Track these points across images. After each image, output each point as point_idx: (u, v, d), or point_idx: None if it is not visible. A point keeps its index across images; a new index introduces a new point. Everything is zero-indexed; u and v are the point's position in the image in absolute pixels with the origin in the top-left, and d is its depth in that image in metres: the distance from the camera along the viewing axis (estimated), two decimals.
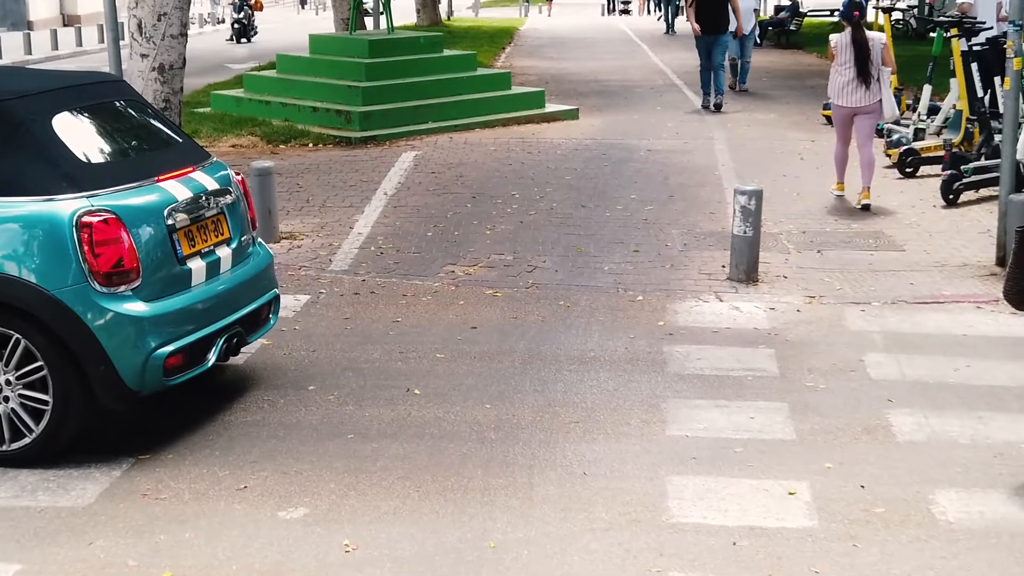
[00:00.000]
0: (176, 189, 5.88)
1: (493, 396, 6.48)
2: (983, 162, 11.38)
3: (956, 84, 13.05)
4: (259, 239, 6.71)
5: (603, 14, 56.71)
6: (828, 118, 15.24)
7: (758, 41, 24.41)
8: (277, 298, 6.68)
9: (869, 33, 11.29)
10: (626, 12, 56.63)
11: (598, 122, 15.99)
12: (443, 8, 42.06)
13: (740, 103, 17.62)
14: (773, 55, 25.92)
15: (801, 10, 30.60)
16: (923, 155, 12.24)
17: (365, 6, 21.81)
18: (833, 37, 11.64)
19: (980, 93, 12.21)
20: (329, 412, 6.27)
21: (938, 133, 13.38)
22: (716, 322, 7.74)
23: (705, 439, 5.90)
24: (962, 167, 11.22)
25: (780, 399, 6.43)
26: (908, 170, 12.09)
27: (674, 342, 7.36)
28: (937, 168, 12.14)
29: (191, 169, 6.12)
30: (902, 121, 13.99)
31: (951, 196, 10.86)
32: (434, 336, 7.49)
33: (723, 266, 8.90)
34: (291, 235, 9.94)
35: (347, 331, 7.61)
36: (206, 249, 6.01)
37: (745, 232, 8.46)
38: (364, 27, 23.48)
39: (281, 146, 14.02)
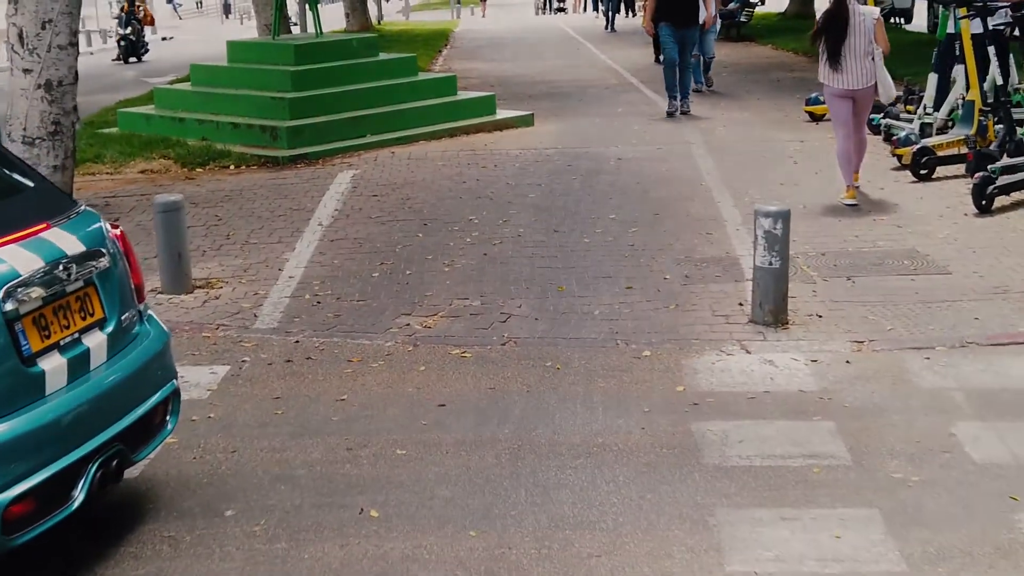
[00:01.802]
0: (18, 258, 4.09)
1: (478, 516, 4.75)
2: (1014, 159, 9.83)
3: (962, 72, 11.55)
4: (149, 311, 4.92)
5: (536, 13, 55.23)
6: (811, 115, 13.73)
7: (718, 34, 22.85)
8: (176, 393, 4.89)
9: (860, 7, 9.86)
10: (561, 10, 55.15)
11: (556, 128, 14.29)
12: (372, 12, 40.27)
13: (708, 102, 15.99)
14: (726, 48, 24.31)
15: (751, 1, 29.19)
16: (939, 154, 10.66)
17: (289, 15, 20.07)
18: (821, 14, 10.22)
19: (999, 80, 10.67)
20: (254, 554, 4.52)
21: (943, 128, 11.82)
22: (749, 384, 6.07)
23: None
24: (989, 167, 9.66)
25: (866, 503, 4.76)
26: (923, 172, 10.50)
27: (703, 416, 5.68)
28: (953, 168, 10.61)
29: (43, 227, 4.33)
30: (902, 116, 12.46)
31: (983, 202, 9.28)
32: (391, 421, 5.76)
33: (740, 304, 7.25)
34: (207, 283, 8.15)
35: (278, 418, 5.85)
36: (67, 339, 4.24)
37: (771, 263, 6.80)
38: (290, 32, 21.66)
39: (198, 170, 12.19)
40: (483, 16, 52.88)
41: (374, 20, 38.48)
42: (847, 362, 6.32)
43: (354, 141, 12.94)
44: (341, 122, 13.13)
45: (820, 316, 7.03)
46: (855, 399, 5.82)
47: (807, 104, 14.13)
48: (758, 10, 30.68)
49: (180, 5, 65.81)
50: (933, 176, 10.53)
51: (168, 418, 4.80)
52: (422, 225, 9.56)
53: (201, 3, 71.02)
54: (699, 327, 6.93)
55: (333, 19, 34.55)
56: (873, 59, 9.83)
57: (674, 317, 7.13)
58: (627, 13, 40.51)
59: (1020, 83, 12.64)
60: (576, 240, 8.96)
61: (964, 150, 10.95)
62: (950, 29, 11.74)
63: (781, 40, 25.87)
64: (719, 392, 5.96)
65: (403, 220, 9.75)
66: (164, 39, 43.85)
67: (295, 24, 30.10)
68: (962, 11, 11.12)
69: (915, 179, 10.49)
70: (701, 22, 14.94)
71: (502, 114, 14.57)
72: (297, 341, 6.97)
